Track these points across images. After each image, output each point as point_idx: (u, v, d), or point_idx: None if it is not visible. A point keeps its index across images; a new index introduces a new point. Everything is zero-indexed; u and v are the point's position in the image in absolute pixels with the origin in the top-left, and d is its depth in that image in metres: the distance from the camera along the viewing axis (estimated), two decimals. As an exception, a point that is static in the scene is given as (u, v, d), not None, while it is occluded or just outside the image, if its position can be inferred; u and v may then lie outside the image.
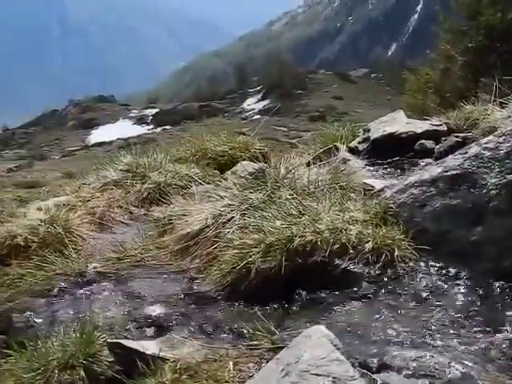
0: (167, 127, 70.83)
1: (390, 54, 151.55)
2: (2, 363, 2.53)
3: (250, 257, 2.86)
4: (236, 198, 3.46)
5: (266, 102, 77.16)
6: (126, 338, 2.49)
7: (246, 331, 2.50)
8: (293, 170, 3.64)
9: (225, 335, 2.53)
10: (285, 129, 60.34)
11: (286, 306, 2.71)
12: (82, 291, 3.08)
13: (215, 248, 3.18)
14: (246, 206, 3.36)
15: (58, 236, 3.72)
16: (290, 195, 3.42)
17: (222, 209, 3.37)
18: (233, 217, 3.31)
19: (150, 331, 2.62)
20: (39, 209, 4.65)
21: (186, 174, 4.77)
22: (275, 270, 2.80)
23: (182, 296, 2.95)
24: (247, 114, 75.08)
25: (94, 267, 3.35)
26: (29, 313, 2.98)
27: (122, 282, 3.16)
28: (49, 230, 3.74)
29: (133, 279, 3.18)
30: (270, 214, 3.11)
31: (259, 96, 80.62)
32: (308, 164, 4.49)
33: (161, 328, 2.63)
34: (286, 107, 70.66)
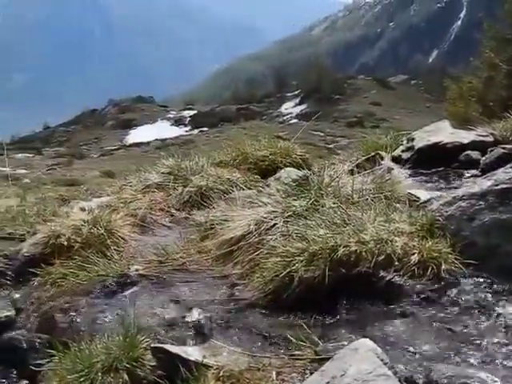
0: (204, 129, 71.16)
1: (430, 60, 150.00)
2: (46, 363, 2.56)
3: (294, 265, 2.84)
4: (279, 204, 3.44)
5: (303, 107, 77.06)
6: (168, 342, 2.49)
7: (288, 340, 2.48)
8: (337, 179, 3.60)
9: (267, 343, 2.51)
10: (322, 134, 60.11)
11: (329, 315, 2.68)
12: (124, 293, 3.10)
13: (257, 255, 3.16)
14: (290, 213, 3.34)
15: (101, 237, 3.74)
16: (333, 203, 3.39)
17: (265, 215, 3.36)
18: (276, 224, 3.29)
19: (192, 336, 2.62)
20: (82, 209, 4.71)
21: (228, 179, 4.77)
22: (318, 280, 2.78)
23: (224, 302, 2.94)
24: (285, 117, 75.05)
25: (136, 269, 3.36)
26: (72, 313, 3.01)
27: (163, 285, 3.16)
28: (91, 230, 3.76)
29: (175, 283, 3.18)
30: (314, 223, 3.09)
31: (297, 100, 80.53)
32: (351, 172, 4.46)
33: (203, 334, 2.63)
34: (323, 112, 70.42)
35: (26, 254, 3.72)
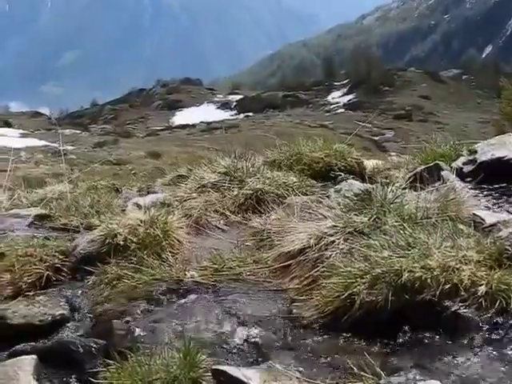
0: (250, 114, 71.22)
1: (484, 56, 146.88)
2: (103, 372, 2.55)
3: (355, 287, 2.78)
4: (340, 219, 3.37)
5: (351, 97, 76.44)
6: (226, 362, 2.46)
7: (349, 368, 2.42)
8: (401, 196, 3.51)
9: (327, 370, 2.46)
10: (368, 125, 59.56)
11: (390, 343, 2.62)
12: (180, 302, 3.08)
13: (316, 271, 3.11)
14: (351, 229, 3.27)
15: (157, 238, 3.73)
16: (396, 222, 3.31)
17: (326, 230, 3.29)
18: (337, 239, 3.23)
19: (249, 355, 2.58)
20: (137, 205, 4.72)
21: (284, 183, 4.71)
22: (381, 304, 2.71)
23: (282, 319, 2.89)
24: (331, 106, 74.58)
25: (192, 276, 3.34)
26: (128, 318, 3.00)
27: (220, 296, 3.13)
28: (148, 231, 3.75)
29: (231, 294, 3.14)
30: (377, 243, 3.01)
31: (345, 90, 79.88)
32: (411, 182, 4.36)
33: (261, 353, 2.59)
34: (371, 103, 69.73)
35: (81, 252, 3.72)
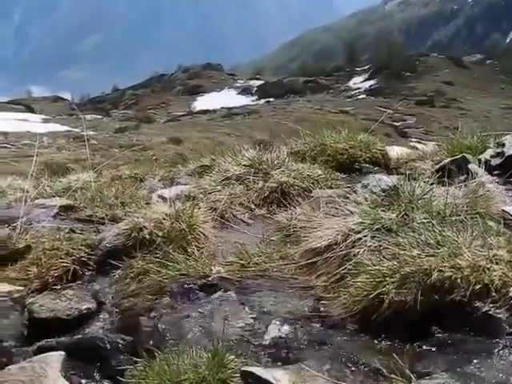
0: (271, 99, 71.02)
1: (508, 40, 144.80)
2: (130, 369, 2.55)
3: (384, 286, 2.74)
4: (367, 215, 3.33)
5: (372, 82, 75.90)
6: (254, 362, 2.44)
7: (379, 370, 2.40)
8: (430, 192, 3.46)
9: (356, 371, 2.43)
10: (390, 111, 59.13)
11: (419, 344, 2.58)
12: (207, 299, 3.07)
13: (344, 268, 3.08)
14: (378, 226, 3.23)
15: (182, 232, 3.72)
16: (424, 218, 3.26)
17: (353, 226, 3.26)
18: (364, 236, 3.19)
19: (277, 355, 2.57)
20: (161, 197, 4.71)
21: (309, 175, 4.68)
22: (410, 304, 2.67)
23: (310, 317, 2.87)
24: (352, 92, 74.13)
25: (218, 271, 3.32)
26: (154, 314, 3.00)
27: (246, 292, 3.11)
28: (173, 225, 3.74)
29: (257, 291, 3.13)
30: (406, 241, 2.97)
31: (366, 75, 79.32)
32: (438, 175, 4.30)
33: (289, 353, 2.57)
34: (392, 89, 69.16)
35: (107, 245, 3.73)
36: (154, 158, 32.30)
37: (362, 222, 3.29)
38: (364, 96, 70.00)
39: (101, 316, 3.24)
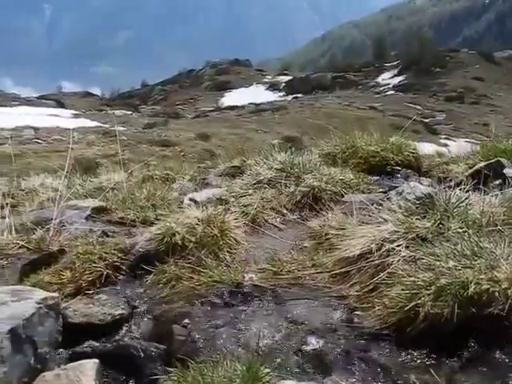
0: (299, 95, 70.75)
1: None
2: (163, 380, 2.55)
3: (420, 298, 2.70)
4: (401, 224, 3.29)
5: (401, 78, 75.18)
6: (289, 375, 2.43)
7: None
8: (466, 200, 3.41)
9: (391, 386, 2.41)
10: (419, 107, 58.59)
11: (456, 360, 2.54)
12: (240, 307, 3.06)
13: (378, 278, 3.04)
14: (413, 235, 3.19)
15: (214, 238, 3.71)
16: (460, 228, 3.22)
17: (387, 235, 3.22)
18: (398, 245, 3.15)
19: (311, 368, 2.55)
20: (193, 200, 4.72)
21: (341, 180, 4.65)
22: (446, 317, 2.63)
23: (343, 328, 2.84)
24: (381, 88, 73.50)
25: (251, 278, 3.31)
26: (187, 321, 3.00)
27: (279, 301, 3.10)
28: (205, 230, 3.74)
29: (290, 300, 3.11)
30: (442, 252, 2.93)
31: (395, 71, 78.58)
32: (472, 179, 4.23)
33: (322, 365, 2.55)
34: (422, 85, 68.45)
35: (140, 250, 3.74)
36: (182, 154, 32.44)
37: (396, 231, 3.25)
38: (393, 92, 69.39)
39: (133, 322, 3.24)
